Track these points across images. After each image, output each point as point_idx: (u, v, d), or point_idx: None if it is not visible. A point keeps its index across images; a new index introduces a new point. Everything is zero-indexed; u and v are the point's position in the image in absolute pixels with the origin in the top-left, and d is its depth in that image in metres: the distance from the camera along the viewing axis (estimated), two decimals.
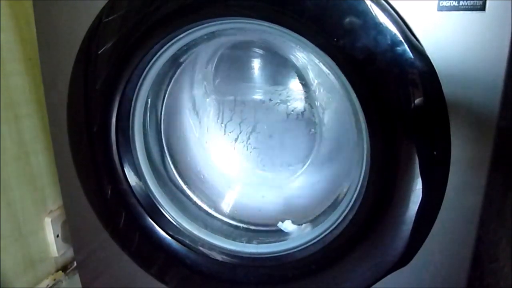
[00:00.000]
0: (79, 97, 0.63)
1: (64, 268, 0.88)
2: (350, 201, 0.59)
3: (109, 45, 0.58)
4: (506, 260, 0.69)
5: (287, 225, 0.70)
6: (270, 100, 0.77)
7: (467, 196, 0.51)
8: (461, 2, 0.45)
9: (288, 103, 0.76)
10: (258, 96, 0.78)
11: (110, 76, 0.61)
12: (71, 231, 0.75)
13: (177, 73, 0.72)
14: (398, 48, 0.46)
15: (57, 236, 0.84)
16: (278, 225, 0.71)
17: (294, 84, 0.76)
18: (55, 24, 0.62)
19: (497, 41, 0.45)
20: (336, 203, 0.65)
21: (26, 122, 0.77)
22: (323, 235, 0.61)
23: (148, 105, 0.69)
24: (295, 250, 0.63)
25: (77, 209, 0.71)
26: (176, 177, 0.77)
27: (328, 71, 0.62)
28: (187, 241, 0.68)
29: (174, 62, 0.70)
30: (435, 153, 0.50)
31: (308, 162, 0.77)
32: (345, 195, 0.62)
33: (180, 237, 0.68)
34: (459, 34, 0.46)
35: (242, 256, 0.66)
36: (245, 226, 0.75)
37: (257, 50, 0.75)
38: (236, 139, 0.81)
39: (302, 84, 0.75)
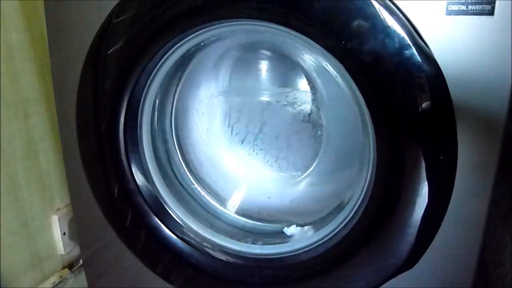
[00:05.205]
0: (88, 96, 0.64)
1: (70, 266, 0.89)
2: (355, 203, 0.59)
3: (119, 46, 0.59)
4: None
5: (292, 230, 0.70)
6: (277, 101, 0.77)
7: (473, 200, 0.51)
8: (469, 7, 0.45)
9: (295, 105, 0.77)
10: (265, 98, 0.78)
11: (119, 76, 0.61)
12: (78, 229, 0.76)
13: (185, 74, 0.72)
14: (406, 51, 0.46)
15: (64, 233, 0.85)
16: (284, 230, 0.71)
17: (301, 86, 0.76)
18: (66, 24, 0.62)
19: (505, 46, 0.45)
20: (341, 205, 0.65)
21: (35, 120, 0.78)
22: (328, 237, 0.61)
23: (156, 106, 0.70)
24: (300, 251, 0.63)
25: (84, 207, 0.72)
26: (182, 177, 0.77)
27: (335, 74, 0.62)
28: (193, 241, 0.68)
29: (183, 63, 0.70)
30: (441, 157, 0.50)
31: (314, 164, 0.77)
32: (350, 197, 0.62)
33: (185, 237, 0.69)
34: (467, 38, 0.46)
35: (247, 257, 0.67)
36: (250, 227, 0.75)
37: (265, 52, 0.75)
38: (242, 140, 0.82)
39: (310, 86, 0.75)
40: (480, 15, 0.45)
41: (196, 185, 0.78)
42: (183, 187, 0.76)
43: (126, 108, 0.63)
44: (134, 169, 0.67)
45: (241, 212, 0.77)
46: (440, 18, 0.46)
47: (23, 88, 0.75)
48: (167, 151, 0.76)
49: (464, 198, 0.51)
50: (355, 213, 0.58)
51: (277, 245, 0.67)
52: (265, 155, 0.81)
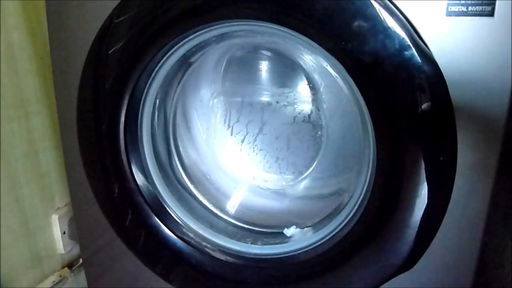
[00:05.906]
0: (89, 96, 0.64)
1: (70, 265, 0.89)
2: (355, 204, 0.59)
3: (120, 45, 0.59)
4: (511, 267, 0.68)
5: (292, 231, 0.70)
6: (277, 102, 0.77)
7: (473, 201, 0.51)
8: (470, 8, 0.45)
9: (295, 106, 0.77)
10: (265, 98, 0.78)
11: (119, 76, 0.61)
12: (77, 228, 0.76)
13: (186, 74, 0.72)
14: (406, 52, 0.46)
15: (64, 233, 0.85)
16: (284, 231, 0.71)
17: (302, 87, 0.76)
18: (67, 24, 0.62)
19: (505, 47, 0.45)
20: (341, 205, 0.65)
21: (36, 119, 0.78)
22: (327, 238, 0.61)
23: (157, 105, 0.70)
24: (299, 252, 0.63)
25: (84, 207, 0.72)
26: (182, 177, 0.77)
27: (335, 74, 0.62)
28: (192, 241, 0.69)
29: (183, 63, 0.70)
30: (441, 158, 0.50)
31: (314, 164, 0.77)
32: (350, 198, 0.62)
33: (185, 237, 0.69)
34: (468, 39, 0.46)
35: (246, 257, 0.67)
36: (250, 227, 0.75)
37: (265, 52, 0.75)
38: (242, 141, 0.82)
39: (310, 87, 0.75)
40: (480, 16, 0.45)
41: (194, 186, 0.78)
42: (183, 186, 0.76)
43: (127, 108, 0.63)
44: (134, 169, 0.67)
45: (240, 212, 0.77)
46: (440, 19, 0.46)
47: (24, 88, 0.75)
48: (167, 150, 0.76)
49: (464, 198, 0.51)
50: (354, 213, 0.58)
51: (276, 245, 0.67)
52: (265, 156, 0.81)
